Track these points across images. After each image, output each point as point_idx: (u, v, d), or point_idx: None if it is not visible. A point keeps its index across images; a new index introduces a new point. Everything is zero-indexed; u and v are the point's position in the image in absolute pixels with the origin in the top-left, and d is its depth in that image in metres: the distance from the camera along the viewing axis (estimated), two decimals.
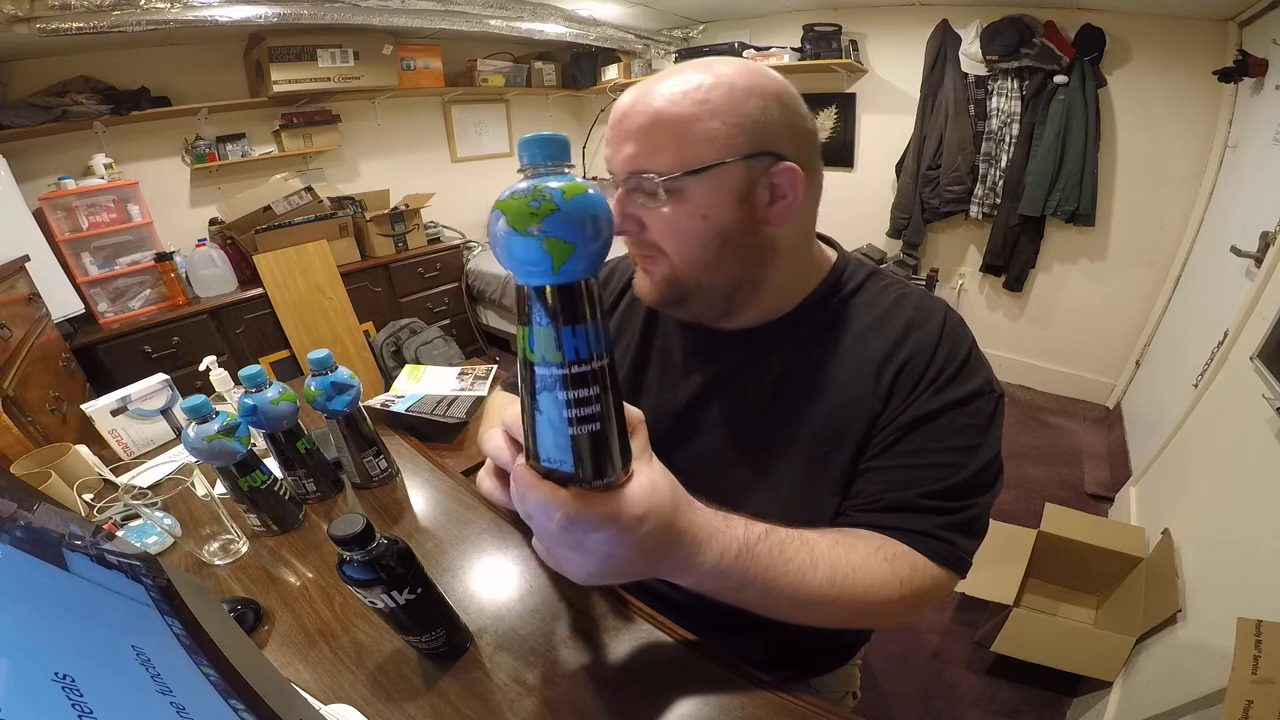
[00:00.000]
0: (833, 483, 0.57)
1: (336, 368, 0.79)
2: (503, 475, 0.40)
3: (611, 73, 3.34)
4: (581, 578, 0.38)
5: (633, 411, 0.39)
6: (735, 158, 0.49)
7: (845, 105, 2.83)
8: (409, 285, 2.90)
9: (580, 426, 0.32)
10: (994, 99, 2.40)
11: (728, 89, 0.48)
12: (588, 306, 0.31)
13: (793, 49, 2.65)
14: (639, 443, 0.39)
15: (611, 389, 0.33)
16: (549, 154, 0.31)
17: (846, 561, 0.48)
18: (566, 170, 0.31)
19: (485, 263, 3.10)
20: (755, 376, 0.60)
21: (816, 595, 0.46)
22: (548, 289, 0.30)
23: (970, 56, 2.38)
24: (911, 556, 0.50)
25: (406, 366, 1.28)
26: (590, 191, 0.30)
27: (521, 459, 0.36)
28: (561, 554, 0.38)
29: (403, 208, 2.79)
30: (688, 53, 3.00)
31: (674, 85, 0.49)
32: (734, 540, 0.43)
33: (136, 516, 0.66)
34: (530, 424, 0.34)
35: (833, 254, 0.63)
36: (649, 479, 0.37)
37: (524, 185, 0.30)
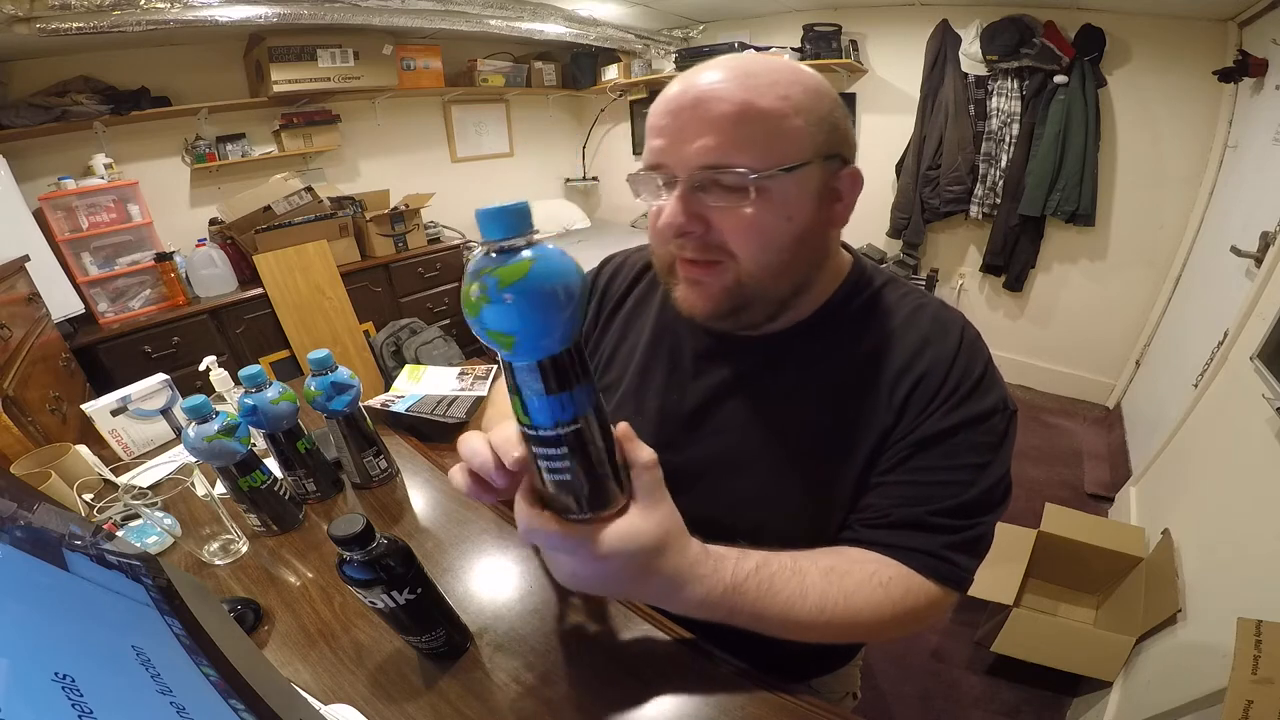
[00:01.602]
0: (839, 495, 0.56)
1: (336, 368, 0.79)
2: (474, 476, 0.41)
3: (611, 73, 3.34)
4: (564, 580, 0.41)
5: (643, 454, 0.39)
6: (817, 158, 0.48)
7: (845, 105, 2.83)
8: (409, 285, 2.89)
9: (550, 476, 0.35)
10: (994, 99, 2.40)
11: (804, 87, 0.47)
12: (552, 381, 0.31)
13: (793, 49, 2.65)
14: (646, 483, 0.39)
15: (579, 451, 0.34)
16: (506, 227, 0.28)
17: (839, 589, 0.47)
18: (522, 244, 0.29)
19: None
20: (766, 383, 0.59)
21: (805, 622, 0.46)
22: (509, 364, 0.32)
23: (970, 56, 2.37)
24: (909, 579, 0.50)
25: (406, 366, 1.28)
26: (533, 273, 0.28)
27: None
28: (547, 555, 0.41)
29: (403, 208, 2.79)
30: (688, 53, 3.00)
31: (753, 77, 0.46)
32: (719, 582, 0.43)
33: (136, 516, 0.66)
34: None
35: (848, 257, 0.61)
36: (630, 525, 0.38)
37: (472, 267, 0.30)
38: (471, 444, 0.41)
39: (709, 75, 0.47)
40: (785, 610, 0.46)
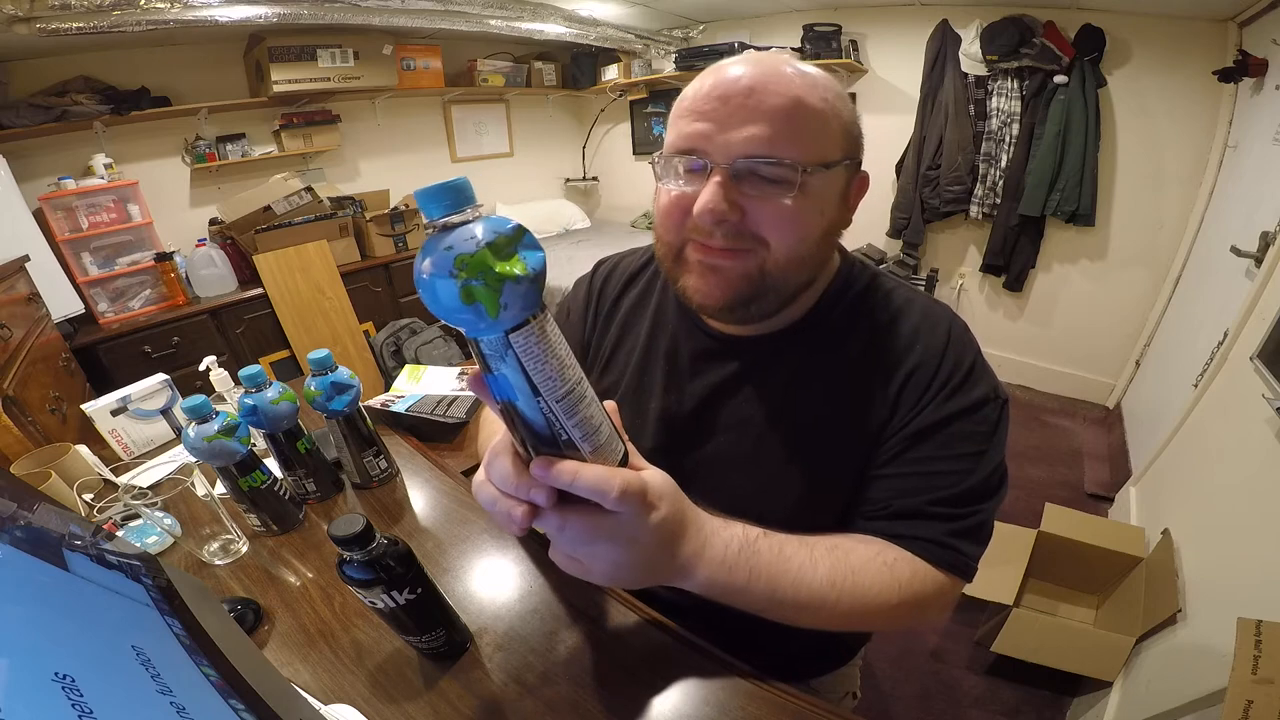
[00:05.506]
0: (838, 490, 0.57)
1: (336, 368, 0.79)
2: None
3: (611, 73, 3.34)
4: (604, 573, 0.38)
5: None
6: (846, 160, 0.51)
7: None
8: (409, 285, 2.89)
9: (580, 431, 0.34)
10: (994, 99, 2.39)
11: (836, 94, 0.49)
12: (558, 335, 0.32)
13: (793, 49, 2.65)
14: (635, 449, 0.40)
15: (591, 401, 0.35)
16: (465, 199, 0.30)
17: (846, 564, 0.48)
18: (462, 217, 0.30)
19: None
20: (763, 382, 0.59)
21: (818, 595, 0.46)
22: (536, 326, 0.31)
23: (970, 56, 2.37)
24: (913, 563, 0.51)
25: (406, 366, 1.28)
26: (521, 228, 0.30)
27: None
28: (587, 552, 0.38)
29: (403, 207, 2.79)
30: (688, 53, 2.99)
31: (801, 76, 0.47)
32: (735, 537, 0.44)
33: (136, 516, 0.66)
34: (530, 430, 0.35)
35: (837, 256, 0.61)
36: (660, 474, 0.39)
37: (482, 239, 0.29)
38: (489, 492, 0.38)
39: (755, 68, 0.47)
40: (799, 578, 0.46)
